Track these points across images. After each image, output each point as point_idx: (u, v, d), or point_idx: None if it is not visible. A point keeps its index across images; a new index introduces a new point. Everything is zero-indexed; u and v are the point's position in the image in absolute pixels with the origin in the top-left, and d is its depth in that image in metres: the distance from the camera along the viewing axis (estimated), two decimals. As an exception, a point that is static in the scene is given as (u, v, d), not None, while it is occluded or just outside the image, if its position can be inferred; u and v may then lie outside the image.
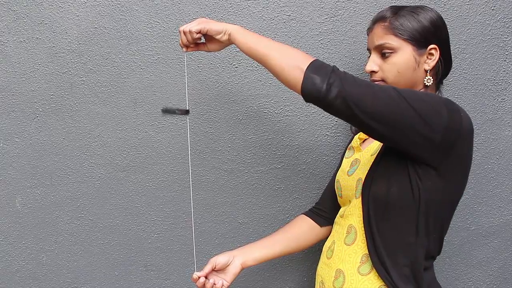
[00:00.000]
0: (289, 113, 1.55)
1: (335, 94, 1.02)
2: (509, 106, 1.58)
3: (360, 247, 1.18)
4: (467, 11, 1.53)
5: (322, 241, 1.37)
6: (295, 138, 1.56)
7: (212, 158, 1.55)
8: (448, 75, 1.32)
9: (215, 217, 1.58)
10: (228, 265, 1.28)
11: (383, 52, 1.21)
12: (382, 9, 1.32)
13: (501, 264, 1.65)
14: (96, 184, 1.55)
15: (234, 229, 1.59)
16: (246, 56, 1.40)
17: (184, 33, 1.20)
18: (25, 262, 1.56)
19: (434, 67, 1.22)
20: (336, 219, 1.31)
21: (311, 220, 1.41)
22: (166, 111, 1.26)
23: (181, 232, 1.58)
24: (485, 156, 1.59)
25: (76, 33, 1.48)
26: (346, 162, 1.33)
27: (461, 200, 1.21)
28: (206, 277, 1.25)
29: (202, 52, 1.39)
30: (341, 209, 1.30)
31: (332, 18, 1.52)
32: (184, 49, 1.24)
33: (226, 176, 1.56)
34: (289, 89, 1.48)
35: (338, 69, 1.06)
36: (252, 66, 1.53)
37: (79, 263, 1.57)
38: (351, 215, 1.22)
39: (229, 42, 1.18)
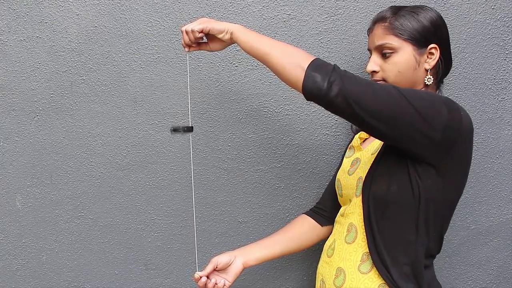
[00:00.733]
0: (289, 112, 1.55)
1: (336, 92, 1.02)
2: (509, 105, 1.58)
3: (360, 245, 1.18)
4: (467, 10, 1.53)
5: (323, 241, 1.37)
6: (295, 137, 1.56)
7: (212, 157, 1.56)
8: (448, 74, 1.32)
9: (215, 216, 1.58)
10: (230, 265, 1.28)
11: (384, 52, 1.22)
12: (382, 8, 1.32)
13: (500, 263, 1.65)
14: (96, 183, 1.55)
15: (234, 228, 1.59)
16: (246, 55, 1.40)
17: (186, 32, 1.20)
18: (25, 261, 1.56)
19: (434, 66, 1.22)
20: (336, 218, 1.31)
21: (312, 220, 1.41)
22: (174, 130, 1.28)
23: (181, 231, 1.58)
24: (485, 155, 1.59)
25: (76, 32, 1.48)
26: (346, 162, 1.33)
27: (461, 199, 1.21)
28: (207, 277, 1.25)
29: (202, 51, 1.39)
30: (341, 208, 1.31)
31: (332, 17, 1.52)
32: (186, 49, 1.25)
33: (226, 175, 1.57)
34: (289, 88, 1.49)
35: (339, 67, 1.06)
36: (252, 65, 1.53)
37: (79, 261, 1.57)
38: (351, 214, 1.22)
39: (231, 41, 1.19)
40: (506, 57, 1.55)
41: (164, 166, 1.55)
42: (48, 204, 1.55)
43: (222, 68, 1.52)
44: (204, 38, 1.24)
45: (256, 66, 1.52)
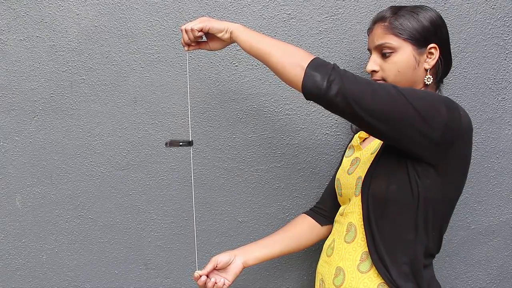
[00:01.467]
0: (289, 112, 1.55)
1: (336, 91, 1.02)
2: (509, 105, 1.58)
3: (359, 245, 1.18)
4: (467, 10, 1.53)
5: (322, 240, 1.37)
6: (295, 137, 1.56)
7: (212, 156, 1.56)
8: (448, 74, 1.32)
9: (215, 215, 1.58)
10: (230, 264, 1.28)
11: (384, 52, 1.22)
12: (382, 8, 1.32)
13: (500, 263, 1.65)
14: (96, 182, 1.55)
15: (234, 227, 1.59)
16: (246, 55, 1.40)
17: (186, 31, 1.20)
18: (25, 261, 1.56)
19: (434, 66, 1.22)
20: (336, 218, 1.31)
21: (312, 219, 1.41)
22: (171, 144, 1.27)
23: (181, 230, 1.58)
24: (485, 155, 1.59)
25: (76, 31, 1.48)
26: (346, 161, 1.34)
27: (461, 199, 1.21)
28: (207, 276, 1.25)
29: (202, 50, 1.39)
30: (341, 208, 1.31)
31: (332, 17, 1.52)
32: (186, 48, 1.24)
33: (226, 175, 1.57)
34: (289, 88, 1.49)
35: (338, 67, 1.06)
36: (252, 65, 1.53)
37: (79, 261, 1.57)
38: (351, 213, 1.22)
39: (231, 40, 1.19)
40: (506, 56, 1.55)
41: (164, 166, 1.55)
42: (48, 204, 1.55)
43: (222, 68, 1.52)
44: (204, 37, 1.24)
45: (256, 66, 1.52)
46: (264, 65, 1.30)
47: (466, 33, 1.53)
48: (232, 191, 1.57)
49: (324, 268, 1.26)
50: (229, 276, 1.28)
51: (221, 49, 1.26)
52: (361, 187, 1.18)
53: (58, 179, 1.54)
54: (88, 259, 1.57)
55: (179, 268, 1.59)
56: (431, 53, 1.21)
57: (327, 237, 1.34)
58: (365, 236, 1.16)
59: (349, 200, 1.26)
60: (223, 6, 1.50)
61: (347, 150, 1.39)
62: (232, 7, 1.50)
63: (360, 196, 1.19)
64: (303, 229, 1.40)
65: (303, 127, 1.56)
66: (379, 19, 1.24)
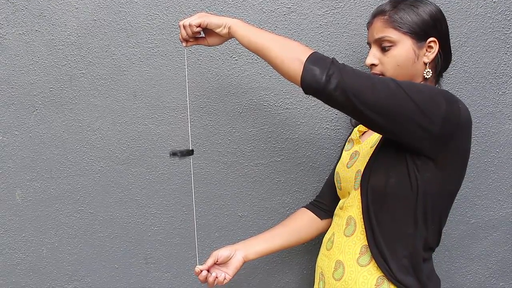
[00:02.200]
0: (289, 106, 1.55)
1: (335, 85, 1.02)
2: (510, 100, 1.57)
3: (359, 238, 1.18)
4: (468, 3, 1.52)
5: (322, 234, 1.37)
6: (295, 131, 1.56)
7: (211, 151, 1.55)
8: (449, 68, 1.32)
9: (214, 210, 1.58)
10: (230, 259, 1.29)
11: (383, 46, 1.22)
12: (382, 1, 1.31)
13: (500, 258, 1.66)
14: (96, 177, 1.55)
15: (234, 222, 1.59)
16: (246, 49, 1.40)
17: (184, 27, 1.20)
18: (26, 255, 1.57)
19: (433, 60, 1.22)
20: (335, 211, 1.31)
21: (312, 213, 1.42)
22: (173, 154, 1.26)
23: (181, 225, 1.58)
24: (485, 149, 1.59)
25: (75, 25, 1.48)
26: (345, 155, 1.33)
27: (460, 193, 1.22)
28: (208, 271, 1.26)
29: (202, 45, 1.39)
30: (340, 201, 1.31)
31: (333, 11, 1.51)
32: (184, 44, 1.24)
33: (226, 169, 1.57)
34: (289, 82, 1.48)
35: (337, 61, 1.06)
36: (252, 59, 1.52)
37: (79, 256, 1.58)
38: (350, 207, 1.23)
39: (229, 35, 1.19)
40: (507, 51, 1.55)
41: (163, 160, 1.55)
42: (48, 198, 1.55)
43: (222, 62, 1.52)
44: (202, 33, 1.24)
45: (256, 60, 1.52)
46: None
47: (467, 27, 1.53)
48: (232, 185, 1.57)
49: (324, 261, 1.26)
50: (229, 270, 1.28)
51: (219, 45, 1.26)
52: (360, 181, 1.18)
53: (58, 174, 1.54)
54: (88, 254, 1.58)
55: (179, 262, 1.60)
56: (431, 47, 1.20)
57: (327, 231, 1.34)
58: (364, 230, 1.16)
59: (349, 193, 1.26)
60: (223, 0, 1.49)
61: (346, 143, 1.39)
62: (232, 1, 1.50)
63: (359, 190, 1.19)
64: (303, 223, 1.40)
65: (302, 121, 1.56)
66: (378, 13, 1.24)
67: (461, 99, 1.16)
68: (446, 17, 1.24)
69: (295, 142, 1.57)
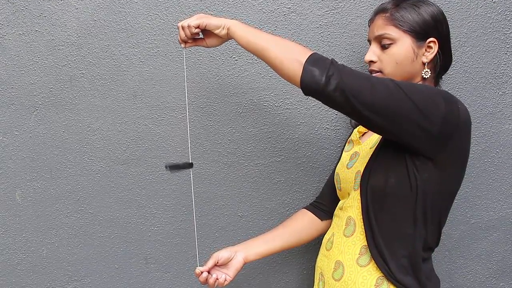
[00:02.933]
0: (289, 106, 1.55)
1: (334, 86, 1.02)
2: (510, 100, 1.57)
3: (359, 238, 1.18)
4: (468, 3, 1.52)
5: (322, 235, 1.37)
6: (295, 131, 1.56)
7: (211, 151, 1.55)
8: (449, 68, 1.32)
9: (214, 210, 1.58)
10: (231, 260, 1.29)
11: (383, 44, 1.22)
12: (382, 1, 1.31)
13: (500, 258, 1.65)
14: (96, 177, 1.55)
15: (233, 222, 1.59)
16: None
17: (183, 28, 1.20)
18: (26, 255, 1.57)
19: (432, 60, 1.22)
20: (335, 212, 1.31)
21: (312, 214, 1.42)
22: (172, 167, 1.26)
23: (181, 225, 1.58)
24: (485, 149, 1.59)
25: (75, 26, 1.48)
26: (345, 156, 1.34)
27: (460, 193, 1.22)
28: (208, 272, 1.26)
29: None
30: (340, 202, 1.31)
31: (333, 11, 1.51)
32: (183, 45, 1.24)
33: (226, 169, 1.57)
34: (288, 82, 1.48)
35: (336, 61, 1.06)
36: (252, 60, 1.52)
37: (79, 256, 1.58)
38: (350, 207, 1.23)
39: (228, 36, 1.18)
40: (507, 51, 1.55)
41: (163, 160, 1.55)
42: (48, 199, 1.55)
43: (222, 62, 1.52)
44: (201, 34, 1.24)
45: (255, 60, 1.52)
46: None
47: (467, 27, 1.53)
48: (232, 185, 1.57)
49: (324, 262, 1.26)
50: (230, 272, 1.28)
51: (218, 46, 1.25)
52: (360, 181, 1.18)
53: (58, 174, 1.54)
54: (88, 254, 1.58)
55: (179, 262, 1.60)
56: (430, 47, 1.21)
57: (327, 231, 1.34)
58: (364, 230, 1.16)
59: (348, 194, 1.26)
60: (223, 0, 1.49)
61: (346, 144, 1.39)
62: (232, 1, 1.50)
63: (359, 190, 1.19)
64: (303, 224, 1.40)
65: (303, 121, 1.56)
66: (380, 10, 1.24)
67: (461, 99, 1.16)
68: (446, 18, 1.24)
69: (295, 142, 1.57)
